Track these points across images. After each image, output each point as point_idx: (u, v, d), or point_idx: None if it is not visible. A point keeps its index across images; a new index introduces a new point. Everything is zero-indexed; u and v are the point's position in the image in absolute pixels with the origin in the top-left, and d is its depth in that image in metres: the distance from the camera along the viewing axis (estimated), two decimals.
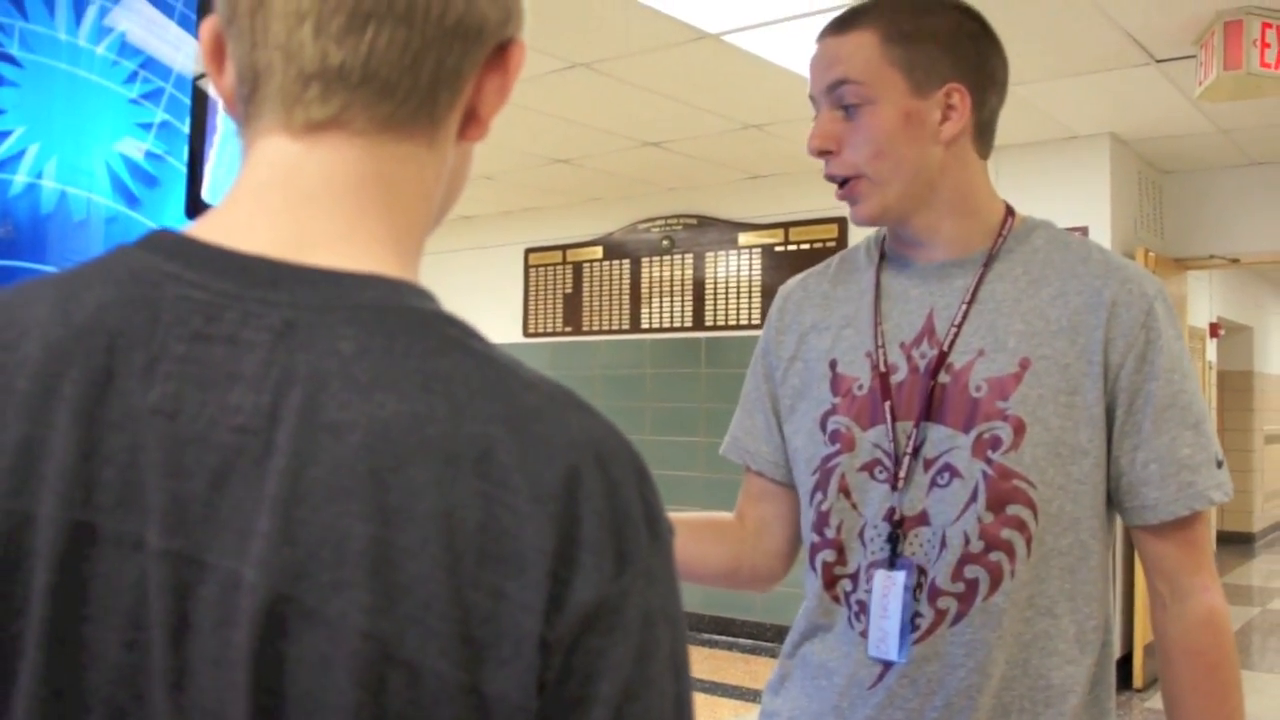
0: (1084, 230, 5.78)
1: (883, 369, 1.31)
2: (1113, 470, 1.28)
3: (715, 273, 7.06)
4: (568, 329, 7.85)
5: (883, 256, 1.39)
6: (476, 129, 0.73)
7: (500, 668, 0.56)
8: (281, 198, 0.65)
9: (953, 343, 1.28)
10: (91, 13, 1.42)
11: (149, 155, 1.49)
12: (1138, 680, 5.82)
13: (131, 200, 1.47)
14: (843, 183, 1.31)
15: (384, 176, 0.67)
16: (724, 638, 6.77)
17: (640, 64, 4.68)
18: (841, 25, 1.30)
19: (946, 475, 1.26)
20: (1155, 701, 5.78)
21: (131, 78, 1.46)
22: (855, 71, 1.27)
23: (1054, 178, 5.84)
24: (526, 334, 8.09)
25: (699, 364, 7.04)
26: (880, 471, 1.30)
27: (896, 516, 1.28)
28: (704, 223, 7.13)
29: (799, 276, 1.50)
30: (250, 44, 0.65)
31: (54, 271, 1.37)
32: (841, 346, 1.37)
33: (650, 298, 7.39)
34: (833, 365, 1.37)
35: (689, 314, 7.15)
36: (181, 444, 0.58)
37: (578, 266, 7.81)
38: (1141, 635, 5.83)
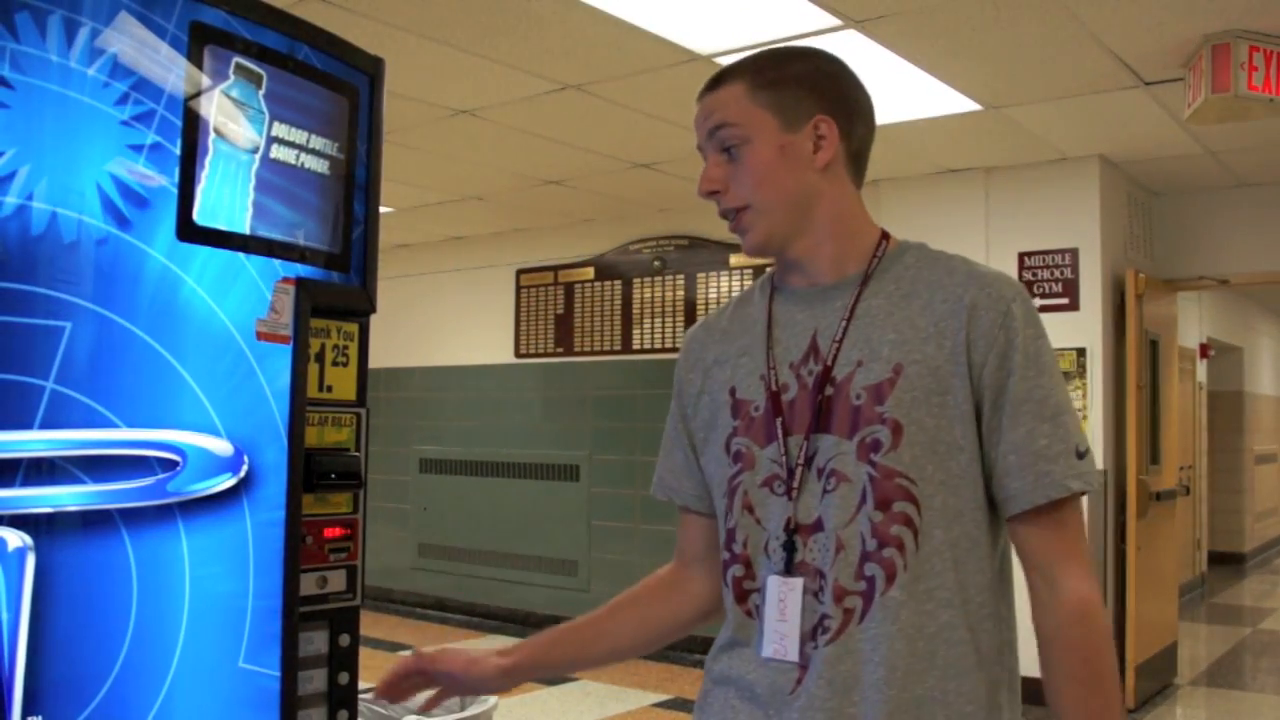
0: (1074, 252, 5.81)
1: (774, 388, 1.42)
2: (985, 466, 1.36)
3: (706, 293, 7.07)
4: (559, 350, 7.84)
5: (775, 290, 1.51)
6: None
7: None
8: None
9: (834, 357, 1.39)
10: (83, 34, 1.42)
11: (140, 177, 1.48)
12: (1130, 700, 5.81)
13: (122, 222, 1.47)
14: (733, 217, 1.44)
15: None
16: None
17: (632, 86, 4.70)
18: (714, 83, 1.45)
19: (834, 480, 1.35)
20: None
21: (123, 99, 1.46)
22: (730, 116, 1.42)
23: (1044, 199, 5.86)
24: (518, 355, 8.09)
25: None
26: (779, 485, 1.40)
27: (792, 525, 1.37)
28: (695, 244, 7.15)
29: (701, 319, 1.64)
30: None
31: (43, 293, 1.37)
32: (740, 374, 1.47)
33: (642, 318, 7.39)
34: (732, 392, 1.47)
35: (680, 335, 7.15)
36: None
37: (569, 287, 7.81)
38: (1133, 657, 5.82)
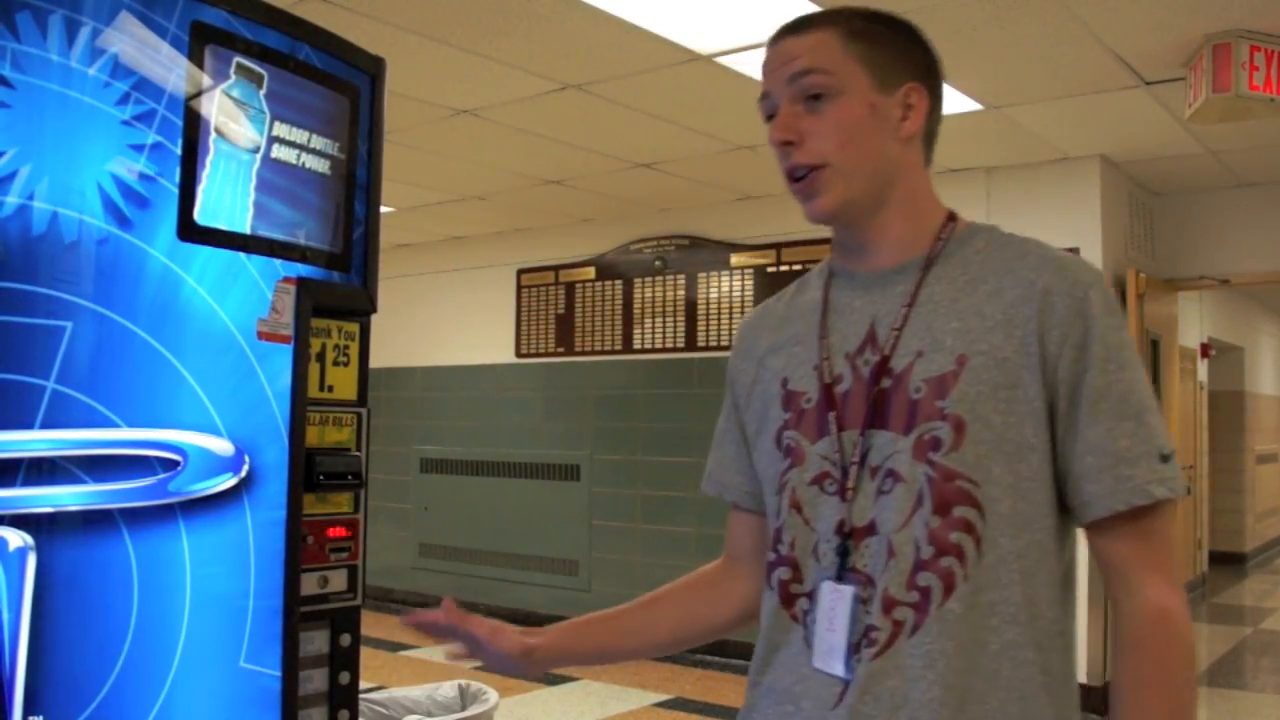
0: (1075, 251, 5.80)
1: (828, 380, 1.31)
2: (1059, 467, 1.24)
3: (707, 293, 7.07)
4: (560, 350, 7.84)
5: (833, 275, 1.41)
6: None
7: None
8: None
9: (893, 347, 1.27)
10: (84, 34, 1.42)
11: (141, 176, 1.49)
12: None
13: (123, 222, 1.47)
14: (802, 176, 1.30)
15: None
16: (717, 658, 6.74)
17: (632, 85, 4.69)
18: (799, 27, 1.32)
19: (890, 481, 1.23)
20: None
21: (124, 99, 1.46)
22: (822, 62, 1.28)
23: (1045, 199, 5.85)
24: (519, 355, 8.08)
25: (691, 385, 7.03)
26: (830, 484, 1.28)
27: (846, 528, 1.26)
28: (696, 243, 7.14)
29: (759, 305, 1.52)
30: None
31: (44, 293, 1.37)
32: (792, 364, 1.37)
33: (642, 318, 7.39)
34: (784, 383, 1.37)
35: (681, 335, 7.15)
36: None
37: (570, 287, 7.81)
38: None
